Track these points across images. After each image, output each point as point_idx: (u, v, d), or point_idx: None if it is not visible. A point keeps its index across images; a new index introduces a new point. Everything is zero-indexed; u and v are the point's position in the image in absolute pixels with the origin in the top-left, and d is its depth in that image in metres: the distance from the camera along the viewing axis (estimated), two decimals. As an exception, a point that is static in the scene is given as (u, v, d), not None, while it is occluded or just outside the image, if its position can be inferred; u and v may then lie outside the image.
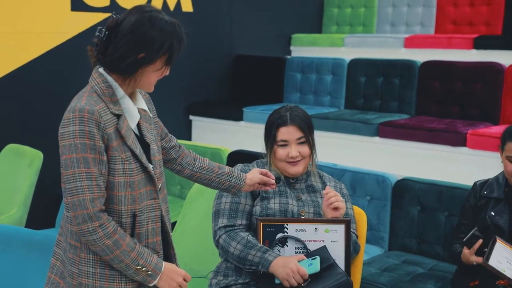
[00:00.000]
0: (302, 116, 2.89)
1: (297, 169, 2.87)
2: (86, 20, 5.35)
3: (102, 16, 5.37)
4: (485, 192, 3.15)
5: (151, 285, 2.23)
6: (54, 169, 4.66)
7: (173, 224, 3.47)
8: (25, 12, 5.03)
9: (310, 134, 2.89)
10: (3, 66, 4.98)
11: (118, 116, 2.16)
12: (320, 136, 2.95)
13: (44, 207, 4.93)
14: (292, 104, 2.98)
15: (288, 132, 2.85)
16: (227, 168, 2.62)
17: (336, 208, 2.73)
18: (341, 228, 2.74)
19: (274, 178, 2.71)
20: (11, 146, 4.73)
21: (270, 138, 2.89)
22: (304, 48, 7.28)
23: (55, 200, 4.92)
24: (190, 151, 2.61)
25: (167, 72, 2.25)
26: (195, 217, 3.62)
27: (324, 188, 2.92)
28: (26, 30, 5.06)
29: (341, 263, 2.70)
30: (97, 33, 2.15)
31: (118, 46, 2.12)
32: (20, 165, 4.51)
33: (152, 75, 2.21)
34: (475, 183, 3.23)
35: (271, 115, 2.93)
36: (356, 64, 6.09)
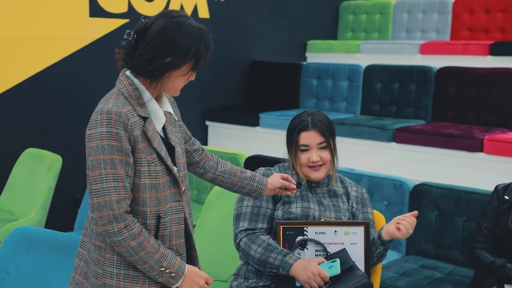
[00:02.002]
0: (323, 120, 2.88)
1: (319, 175, 2.87)
2: (105, 26, 5.38)
3: (120, 22, 5.41)
4: (506, 197, 3.14)
5: (173, 287, 2.25)
6: (73, 173, 4.75)
7: (192, 228, 3.49)
8: (45, 18, 5.07)
9: (331, 139, 2.88)
10: (23, 71, 5.03)
11: (145, 119, 2.19)
12: (336, 142, 2.95)
13: (62, 210, 4.98)
14: (314, 109, 2.98)
15: (309, 137, 2.85)
16: (249, 172, 2.64)
17: (398, 228, 2.69)
18: (360, 230, 2.76)
19: (295, 183, 2.73)
20: (30, 150, 4.78)
21: (292, 143, 2.89)
22: (320, 55, 7.30)
23: (74, 203, 4.97)
24: (213, 154, 2.63)
25: (193, 77, 2.27)
26: (214, 220, 3.64)
27: (345, 193, 2.93)
28: (45, 35, 5.10)
29: (361, 265, 2.71)
30: (125, 36, 2.18)
31: (146, 50, 2.15)
32: (39, 169, 4.55)
33: (178, 79, 2.23)
34: (497, 186, 3.22)
35: (293, 120, 2.92)
36: (372, 70, 6.11)
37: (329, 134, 2.87)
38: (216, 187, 3.53)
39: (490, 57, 6.16)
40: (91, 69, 5.27)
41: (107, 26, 5.41)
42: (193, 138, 2.57)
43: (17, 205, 4.60)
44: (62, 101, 5.22)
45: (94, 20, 5.37)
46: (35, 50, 5.07)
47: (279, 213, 2.82)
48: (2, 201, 4.72)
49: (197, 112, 6.40)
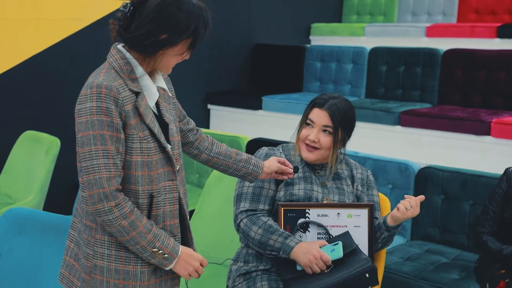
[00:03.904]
0: (341, 108, 2.74)
1: (308, 156, 2.77)
2: (105, 7, 5.32)
3: (120, 3, 5.30)
4: None
5: (167, 268, 2.17)
6: (71, 156, 4.61)
7: (191, 212, 3.41)
8: (43, -1, 5.01)
9: (340, 130, 2.74)
10: (21, 53, 4.95)
11: (137, 94, 2.10)
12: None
13: (61, 194, 4.91)
14: (343, 96, 2.86)
15: (318, 115, 2.74)
16: (244, 155, 2.55)
17: (397, 208, 2.59)
18: (364, 213, 2.67)
19: (292, 167, 2.64)
20: (28, 133, 4.71)
21: (303, 117, 2.80)
22: (324, 38, 7.19)
23: (72, 187, 4.90)
24: (208, 135, 2.54)
25: (187, 57, 2.18)
26: (213, 204, 3.56)
27: (350, 176, 2.84)
28: (45, 17, 5.03)
29: (364, 248, 2.63)
30: (121, 8, 2.08)
31: (142, 24, 2.05)
32: (37, 152, 4.48)
33: (173, 58, 2.14)
34: (507, 169, 3.12)
35: (316, 97, 2.83)
36: (377, 52, 6.00)
37: (339, 123, 2.73)
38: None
39: (497, 40, 6.05)
40: (91, 51, 5.18)
41: (108, 7, 5.33)
42: (188, 118, 2.48)
43: (15, 188, 4.53)
44: (61, 83, 5.14)
45: (94, 1, 5.29)
46: (35, 31, 4.99)
47: (281, 194, 2.73)
48: (0, 184, 4.65)
49: (199, 96, 6.31)
